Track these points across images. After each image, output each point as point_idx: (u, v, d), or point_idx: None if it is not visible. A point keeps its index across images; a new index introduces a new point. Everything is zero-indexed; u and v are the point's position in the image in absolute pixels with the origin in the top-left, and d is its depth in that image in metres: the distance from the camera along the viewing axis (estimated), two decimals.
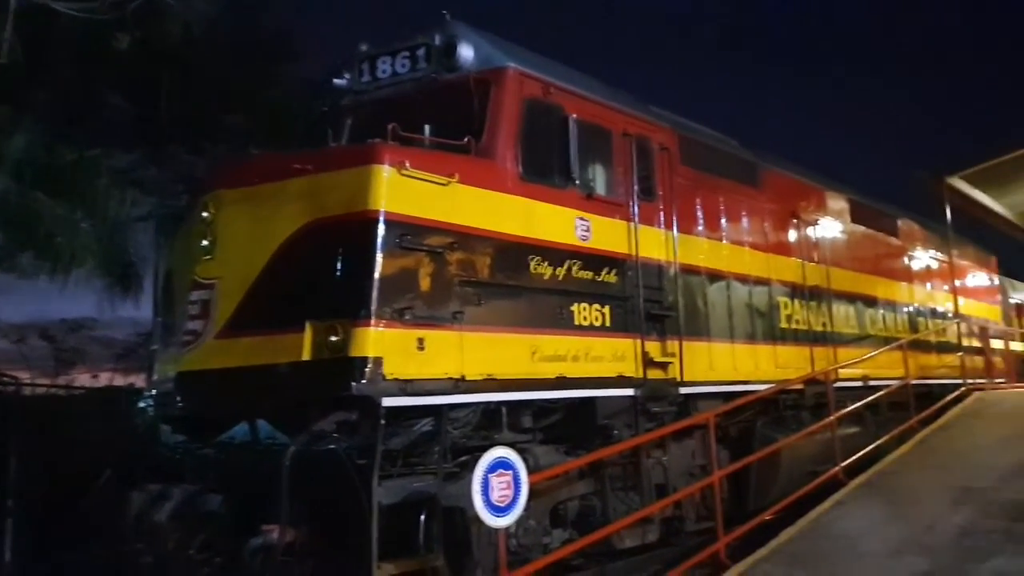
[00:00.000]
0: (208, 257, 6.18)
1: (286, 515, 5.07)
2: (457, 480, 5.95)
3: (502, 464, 5.18)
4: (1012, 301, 19.89)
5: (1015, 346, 18.06)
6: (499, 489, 5.11)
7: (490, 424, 6.32)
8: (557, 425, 7.01)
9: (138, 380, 11.84)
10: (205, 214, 6.27)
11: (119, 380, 12.46)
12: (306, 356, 5.48)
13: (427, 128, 6.47)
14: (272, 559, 5.04)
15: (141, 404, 7.14)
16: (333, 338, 5.42)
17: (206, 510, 5.84)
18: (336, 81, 7.57)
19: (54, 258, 7.87)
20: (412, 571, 5.62)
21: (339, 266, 5.61)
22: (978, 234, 17.81)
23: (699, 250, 8.67)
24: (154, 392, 6.94)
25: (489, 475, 5.07)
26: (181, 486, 5.82)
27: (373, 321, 5.41)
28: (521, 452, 5.89)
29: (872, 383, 11.20)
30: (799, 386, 9.70)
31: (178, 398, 6.12)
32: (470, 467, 6.07)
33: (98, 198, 7.90)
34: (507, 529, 5.29)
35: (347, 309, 5.45)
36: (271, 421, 6.03)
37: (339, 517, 5.23)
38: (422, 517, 5.72)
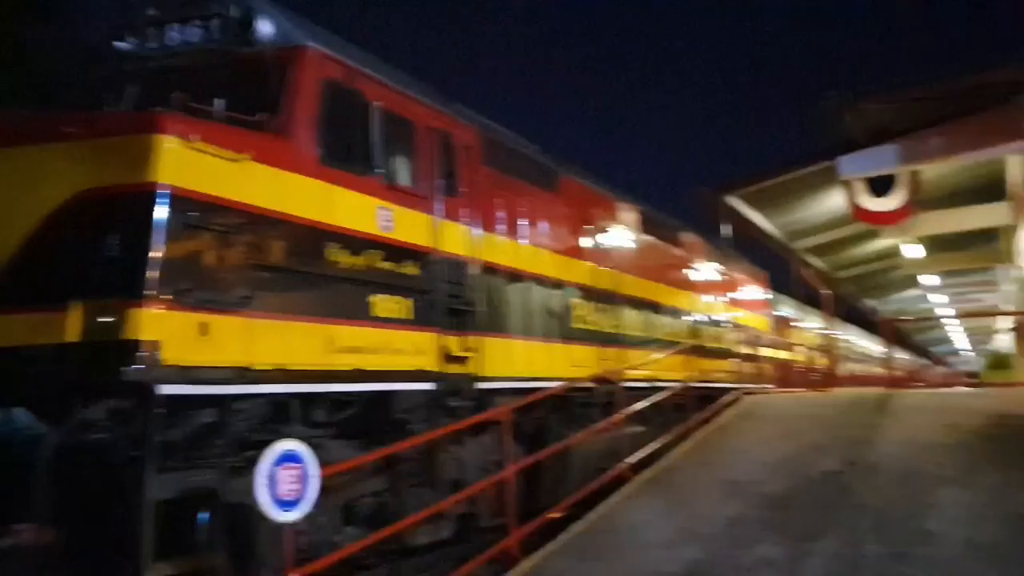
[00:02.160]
0: None
1: (44, 512, 4.53)
2: (243, 475, 5.61)
3: (290, 457, 4.91)
4: (778, 314, 21.80)
5: (781, 354, 19.74)
6: (287, 483, 4.84)
7: (280, 417, 6.00)
8: (352, 420, 6.78)
9: None
10: None
11: None
12: (72, 337, 4.95)
13: (218, 102, 6.07)
14: (26, 561, 4.48)
15: None
16: (104, 319, 4.92)
17: None
18: (118, 44, 6.96)
19: None
20: (190, 571, 5.22)
21: (114, 242, 5.10)
22: (752, 251, 19.39)
23: (499, 249, 8.76)
24: None
25: (276, 468, 4.78)
26: None
27: (150, 302, 4.97)
28: (314, 447, 5.62)
29: (657, 384, 11.80)
30: (590, 384, 10.02)
31: None
32: (256, 462, 5.79)
33: None
34: (294, 525, 5.00)
35: (121, 288, 4.97)
36: (30, 408, 5.36)
37: (107, 514, 4.75)
38: (201, 514, 5.38)
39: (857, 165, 13.09)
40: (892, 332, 22.21)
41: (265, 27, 6.57)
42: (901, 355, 35.72)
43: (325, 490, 5.63)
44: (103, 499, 4.77)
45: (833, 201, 16.40)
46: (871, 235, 19.54)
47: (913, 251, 19.65)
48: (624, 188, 12.94)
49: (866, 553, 6.32)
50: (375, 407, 6.89)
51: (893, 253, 21.36)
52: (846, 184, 14.42)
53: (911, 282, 26.33)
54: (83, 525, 4.79)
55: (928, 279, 23.88)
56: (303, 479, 4.96)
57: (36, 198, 5.31)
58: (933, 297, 30.14)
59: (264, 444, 5.79)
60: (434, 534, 7.58)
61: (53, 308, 5.03)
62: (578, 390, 9.84)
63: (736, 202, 15.67)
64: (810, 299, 23.14)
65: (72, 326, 4.96)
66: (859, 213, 14.34)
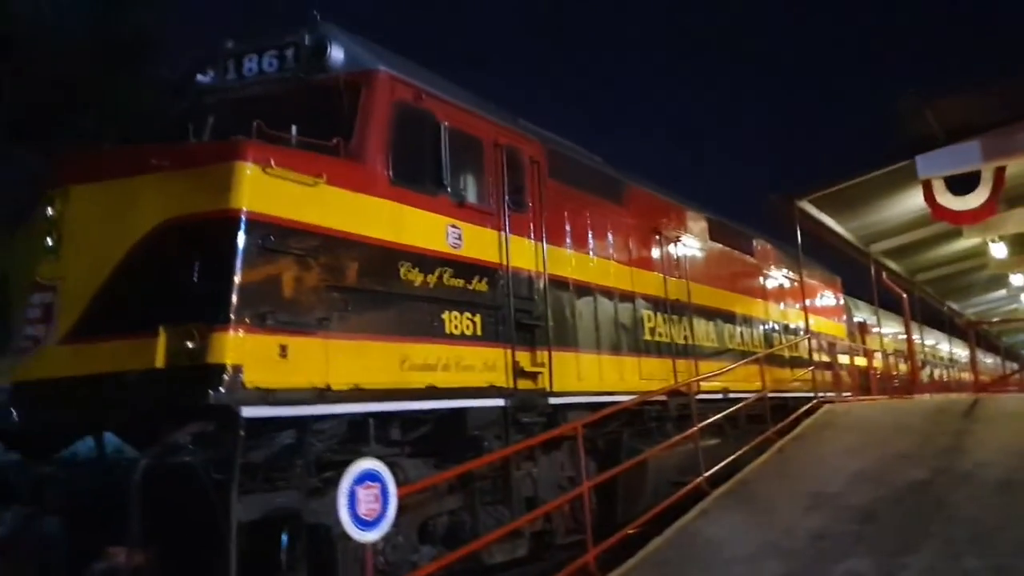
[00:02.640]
0: (51, 257, 5.71)
1: (135, 535, 4.68)
2: (322, 496, 5.72)
3: (370, 476, 4.98)
4: (855, 320, 21.22)
5: (859, 361, 19.21)
6: (366, 502, 4.90)
7: (357, 437, 6.10)
8: (426, 437, 6.85)
9: None
10: (49, 211, 5.81)
11: None
12: (159, 363, 5.11)
13: (294, 128, 6.23)
14: None
15: None
16: (189, 344, 5.07)
17: (43, 533, 5.33)
18: (199, 77, 7.22)
19: None
20: None
21: (197, 268, 5.28)
22: (825, 256, 18.94)
23: (567, 262, 8.75)
24: None
25: (356, 487, 4.85)
26: (12, 508, 5.29)
27: (232, 326, 5.11)
28: (390, 466, 5.71)
29: (731, 395, 11.61)
30: (663, 398, 9.91)
31: (12, 411, 5.57)
32: (335, 482, 5.88)
33: None
34: (374, 545, 5.06)
35: (205, 313, 5.12)
36: (120, 434, 5.57)
37: (195, 536, 4.89)
38: (284, 535, 5.49)
39: (937, 163, 12.69)
40: (977, 335, 21.42)
41: (338, 53, 6.72)
42: (988, 359, 34.42)
43: (402, 509, 5.69)
44: (192, 521, 4.91)
45: (911, 202, 15.92)
46: (953, 235, 18.89)
47: (1000, 250, 18.92)
48: (691, 195, 12.82)
49: (965, 567, 6.10)
50: (448, 424, 6.93)
51: (978, 253, 20.61)
52: (925, 183, 14.00)
53: (998, 283, 25.35)
54: (173, 547, 4.94)
55: (1018, 279, 22.92)
56: (382, 498, 5.02)
57: (126, 228, 5.52)
58: None
59: (342, 464, 5.94)
60: (511, 552, 7.57)
61: (141, 334, 5.20)
62: (651, 403, 9.75)
63: (808, 206, 15.35)
64: (887, 303, 22.51)
65: (159, 351, 5.13)
66: (939, 212, 13.88)
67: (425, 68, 7.63)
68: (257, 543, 5.23)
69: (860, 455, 9.93)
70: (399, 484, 5.49)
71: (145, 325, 5.21)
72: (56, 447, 6.01)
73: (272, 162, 5.50)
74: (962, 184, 13.60)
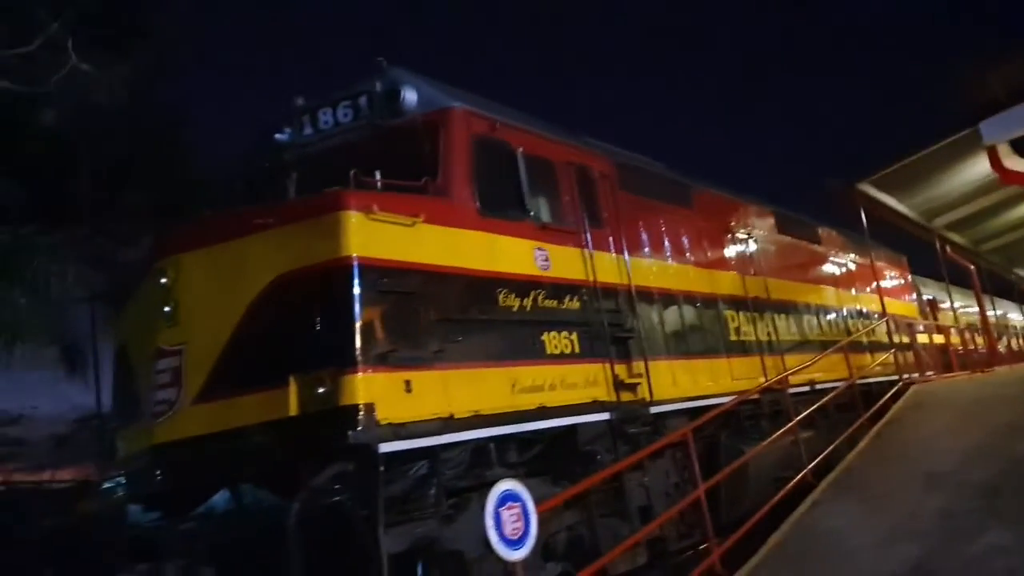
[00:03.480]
0: (171, 323, 5.96)
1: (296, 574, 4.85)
2: (452, 522, 5.86)
3: (510, 497, 5.10)
4: (924, 298, 20.87)
5: (935, 339, 18.87)
6: (510, 522, 5.03)
7: (479, 462, 6.24)
8: (540, 457, 6.96)
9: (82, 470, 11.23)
10: (163, 280, 6.06)
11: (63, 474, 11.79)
12: (292, 411, 5.31)
13: (377, 174, 6.44)
14: None
15: (108, 486, 6.76)
16: (320, 389, 5.27)
17: None
18: (277, 136, 7.50)
19: None
20: None
21: (317, 316, 5.49)
22: (884, 235, 18.69)
23: (648, 271, 8.83)
24: (122, 471, 6.60)
25: (499, 509, 4.98)
26: (174, 562, 5.52)
27: (360, 367, 5.30)
28: None
29: (817, 387, 11.53)
30: (756, 396, 9.89)
31: (157, 472, 5.82)
32: (463, 508, 6.02)
33: (37, 276, 7.52)
34: (522, 562, 5.17)
35: (331, 358, 5.32)
36: (257, 484, 5.78)
37: (347, 572, 5.05)
38: (420, 563, 5.63)
39: (1003, 127, 12.53)
40: None
41: (411, 96, 6.95)
42: None
43: None
44: (345, 558, 5.07)
45: (974, 171, 15.73)
46: (1016, 200, 18.60)
47: None
48: (746, 187, 12.81)
49: None
50: (559, 442, 7.04)
51: None
52: (990, 149, 13.84)
53: None
54: None
55: None
56: (524, 517, 5.13)
57: (240, 288, 5.75)
58: None
59: (464, 491, 6.10)
60: (632, 562, 7.63)
61: (271, 386, 5.41)
62: (745, 402, 9.73)
63: (868, 188, 15.23)
64: (953, 278, 22.10)
65: (291, 400, 5.33)
66: (1007, 177, 13.70)
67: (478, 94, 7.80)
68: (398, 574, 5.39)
69: (964, 432, 9.79)
70: None
71: (274, 377, 5.42)
72: (190, 504, 6.25)
73: (375, 207, 5.70)
74: None
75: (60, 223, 8.58)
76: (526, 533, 5.11)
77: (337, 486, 5.14)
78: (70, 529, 9.83)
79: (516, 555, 4.99)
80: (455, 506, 6.00)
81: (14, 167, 8.55)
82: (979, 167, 15.15)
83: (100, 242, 9.85)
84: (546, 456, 6.99)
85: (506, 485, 5.13)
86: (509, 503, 5.08)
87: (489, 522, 4.90)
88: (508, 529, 5.00)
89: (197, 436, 5.65)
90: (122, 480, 6.72)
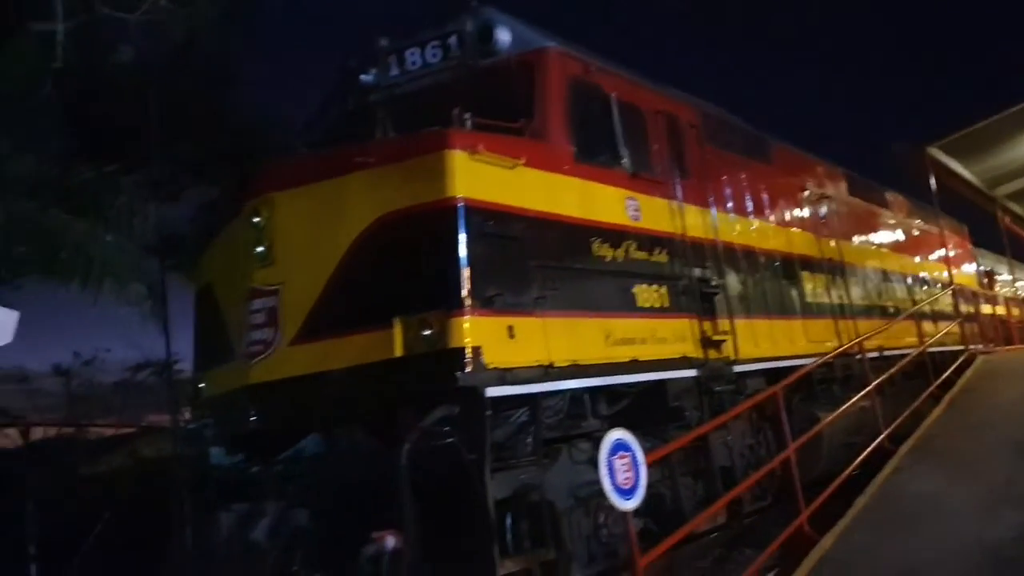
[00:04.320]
0: (266, 263, 5.84)
1: (409, 518, 4.76)
2: (545, 472, 5.74)
3: (621, 446, 4.95)
4: (982, 269, 20.41)
5: (997, 311, 18.49)
6: (622, 471, 4.88)
7: (575, 412, 6.11)
8: (627, 411, 6.80)
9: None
10: (256, 219, 5.94)
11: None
12: (398, 353, 5.19)
13: (467, 115, 6.24)
14: (400, 566, 4.72)
15: (192, 427, 6.72)
16: (427, 332, 5.14)
17: (297, 526, 5.48)
18: (363, 78, 7.30)
19: (85, 273, 7.36)
20: (527, 567, 5.37)
21: (423, 258, 5.35)
22: (944, 203, 18.20)
23: (732, 227, 8.61)
24: (208, 413, 6.55)
25: (612, 458, 4.84)
26: (273, 503, 5.45)
27: (468, 310, 5.16)
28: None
29: (886, 353, 11.27)
30: (833, 359, 9.66)
31: (251, 413, 5.74)
32: (553, 459, 5.90)
33: (122, 215, 7.47)
34: (633, 511, 5.03)
35: (439, 301, 5.18)
36: (354, 426, 5.67)
37: (457, 515, 4.95)
38: (517, 512, 5.53)
39: None
40: None
41: (504, 35, 6.73)
42: None
43: None
44: (452, 502, 4.97)
45: None
46: None
47: None
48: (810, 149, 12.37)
49: None
50: (647, 397, 6.88)
51: None
52: None
53: None
54: (437, 528, 5.00)
55: None
56: (634, 467, 4.99)
57: (339, 228, 5.62)
58: None
59: (555, 441, 5.98)
60: (712, 521, 7.51)
61: (374, 328, 5.29)
62: (819, 365, 9.51)
63: (937, 153, 14.79)
64: (1014, 250, 21.57)
65: (396, 342, 5.21)
66: None
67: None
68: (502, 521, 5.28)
69: None
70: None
71: (377, 318, 5.30)
72: (280, 446, 6.17)
73: (480, 148, 5.52)
74: None
75: (136, 165, 8.49)
76: (636, 483, 4.96)
77: (446, 430, 5.02)
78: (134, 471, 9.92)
79: (629, 504, 4.86)
80: (546, 456, 5.89)
81: (96, 102, 8.45)
82: None
83: (177, 185, 9.74)
84: (634, 410, 6.83)
85: (617, 434, 4.98)
86: (620, 452, 4.93)
87: (603, 470, 4.76)
88: (620, 478, 4.86)
89: (295, 377, 5.56)
90: (207, 422, 6.66)
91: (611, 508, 6.23)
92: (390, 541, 4.83)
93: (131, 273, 7.75)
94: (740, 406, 7.30)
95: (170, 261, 7.97)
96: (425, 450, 4.94)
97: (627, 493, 4.89)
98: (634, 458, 5.01)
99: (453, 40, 6.99)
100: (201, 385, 6.80)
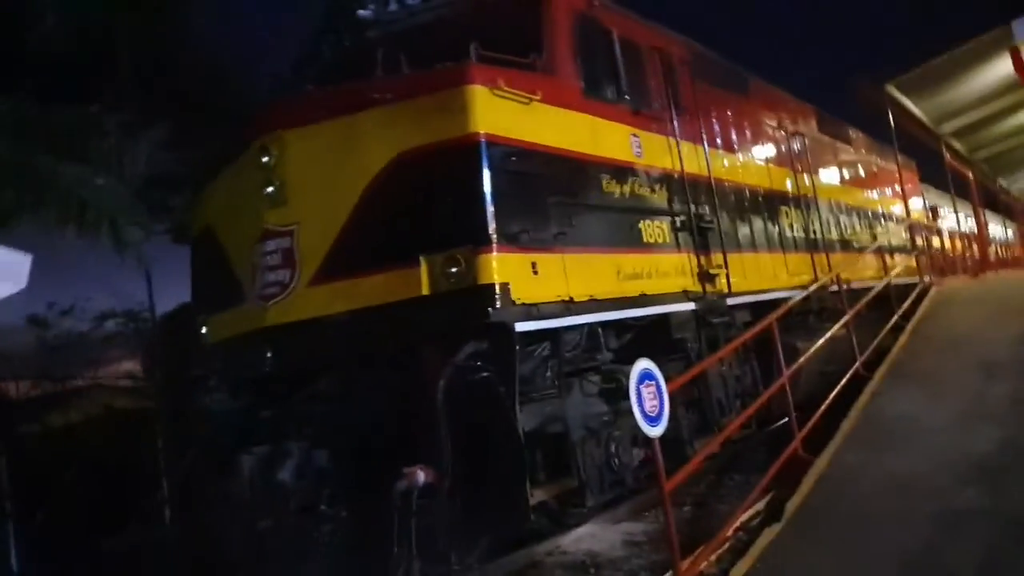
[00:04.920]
0: (278, 203, 5.74)
1: (447, 451, 4.83)
2: (563, 403, 5.87)
3: (647, 375, 5.10)
4: (928, 204, 21.07)
5: (941, 244, 19.18)
6: (649, 399, 5.03)
7: (591, 345, 6.23)
8: (633, 343, 6.96)
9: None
10: (265, 158, 5.81)
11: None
12: (424, 291, 5.19)
13: (472, 50, 6.16)
14: (440, 498, 4.81)
15: (199, 371, 6.63)
16: (454, 269, 5.15)
17: (319, 466, 5.53)
18: (361, 13, 7.14)
19: (78, 218, 7.10)
20: (556, 496, 5.53)
21: (447, 195, 5.33)
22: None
23: (721, 163, 8.72)
24: (218, 357, 6.46)
25: (640, 386, 4.98)
26: (297, 444, 5.47)
27: (495, 247, 5.19)
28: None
29: (854, 285, 11.64)
30: (810, 292, 9.94)
31: (268, 354, 5.68)
32: (567, 391, 6.02)
33: (109, 155, 7.19)
34: (658, 438, 5.19)
35: (465, 237, 5.18)
36: (376, 365, 5.66)
37: (488, 447, 5.03)
38: (542, 443, 5.66)
39: None
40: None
41: None
42: None
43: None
44: (484, 434, 5.04)
45: (991, 75, 15.63)
46: (1018, 107, 18.59)
47: None
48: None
49: None
50: (651, 330, 7.04)
51: None
52: (1013, 50, 13.72)
53: None
54: (469, 459, 5.08)
55: None
56: (658, 395, 5.14)
57: (356, 166, 5.53)
58: None
59: (570, 375, 6.10)
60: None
61: (398, 266, 5.27)
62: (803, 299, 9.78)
63: (894, 90, 15.10)
64: (942, 185, 22.25)
65: (423, 280, 5.20)
66: None
67: None
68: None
69: (1004, 323, 10.03)
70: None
71: (400, 257, 5.28)
72: (294, 388, 6.13)
73: (501, 82, 5.48)
74: None
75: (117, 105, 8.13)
76: (661, 410, 5.12)
77: (477, 364, 5.07)
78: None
79: (656, 431, 5.02)
80: (569, 387, 6.03)
81: (69, 38, 8.01)
82: (998, 70, 15.05)
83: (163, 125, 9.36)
84: (638, 343, 6.98)
85: (644, 364, 5.11)
86: (647, 381, 5.08)
87: (633, 398, 4.89)
88: (647, 406, 5.01)
89: (315, 318, 5.52)
90: (215, 366, 6.57)
91: (621, 438, 6.51)
92: (420, 476, 4.89)
93: (126, 217, 7.51)
94: (738, 338, 7.50)
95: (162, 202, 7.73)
96: (458, 385, 5.01)
97: (654, 420, 5.04)
98: (658, 387, 5.16)
99: None
100: (203, 330, 6.69)
